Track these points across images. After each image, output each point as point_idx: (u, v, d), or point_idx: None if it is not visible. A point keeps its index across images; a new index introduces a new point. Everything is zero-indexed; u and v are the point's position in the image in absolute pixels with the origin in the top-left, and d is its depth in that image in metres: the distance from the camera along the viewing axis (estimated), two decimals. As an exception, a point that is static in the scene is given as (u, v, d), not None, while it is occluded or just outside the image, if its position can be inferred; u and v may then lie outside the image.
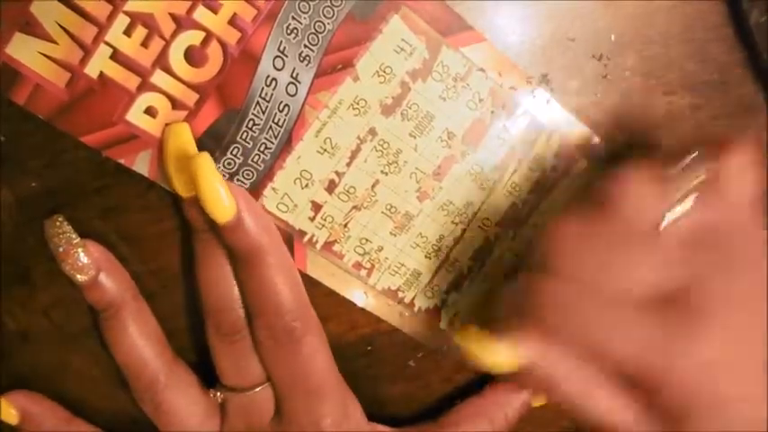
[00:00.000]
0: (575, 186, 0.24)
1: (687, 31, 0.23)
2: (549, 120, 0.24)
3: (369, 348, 0.24)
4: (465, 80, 0.23)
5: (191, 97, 0.21)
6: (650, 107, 0.23)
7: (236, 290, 0.22)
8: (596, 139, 0.24)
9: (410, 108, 0.23)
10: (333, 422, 0.22)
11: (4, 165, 0.21)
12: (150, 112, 0.21)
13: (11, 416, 0.22)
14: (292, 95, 0.22)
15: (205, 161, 0.20)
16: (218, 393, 0.23)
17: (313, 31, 0.21)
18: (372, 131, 0.23)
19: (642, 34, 0.23)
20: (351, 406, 0.24)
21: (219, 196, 0.20)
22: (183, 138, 0.21)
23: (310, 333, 0.22)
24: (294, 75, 0.22)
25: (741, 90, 0.24)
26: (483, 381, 0.26)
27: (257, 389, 0.22)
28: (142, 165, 0.22)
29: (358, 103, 0.22)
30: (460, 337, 0.21)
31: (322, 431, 0.22)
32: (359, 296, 0.24)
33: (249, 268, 0.21)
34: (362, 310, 0.24)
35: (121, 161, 0.22)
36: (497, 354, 0.20)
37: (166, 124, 0.21)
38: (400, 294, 0.25)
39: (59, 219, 0.21)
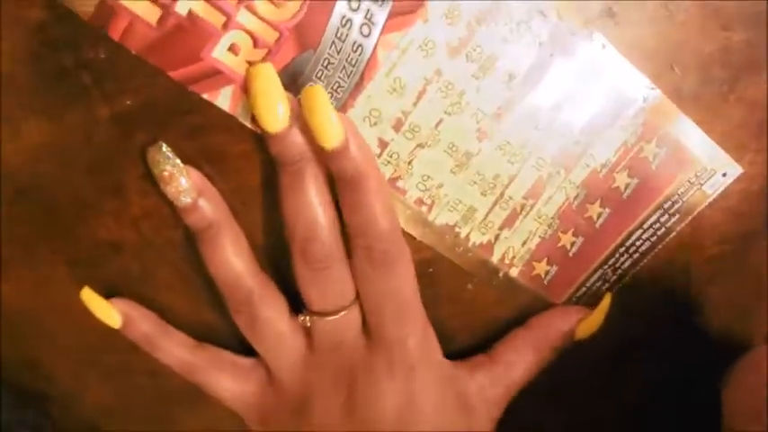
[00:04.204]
0: (628, 128, 0.26)
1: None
2: (604, 64, 0.25)
3: (430, 270, 0.26)
4: (527, 23, 0.24)
5: (271, 36, 0.22)
6: (707, 41, 0.24)
7: (322, 219, 0.23)
8: (649, 83, 0.25)
9: (474, 50, 0.24)
10: (416, 342, 0.24)
11: (104, 82, 0.22)
12: (233, 49, 0.22)
13: (114, 319, 0.24)
14: (366, 36, 0.23)
15: (320, 90, 0.22)
16: (306, 318, 0.25)
17: (388, -27, 0.22)
18: (438, 72, 0.24)
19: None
20: (429, 331, 0.25)
21: (332, 123, 0.22)
22: (270, 76, 0.22)
23: (402, 256, 0.24)
24: (368, 16, 0.23)
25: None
26: (530, 310, 0.28)
27: (343, 312, 0.24)
28: (224, 100, 0.23)
29: (426, 45, 0.24)
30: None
31: (407, 348, 0.24)
32: (419, 230, 0.26)
33: (351, 191, 0.23)
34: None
35: (205, 96, 0.23)
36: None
37: (250, 63, 0.23)
38: (457, 229, 0.26)
39: (163, 145, 0.22)
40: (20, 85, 0.23)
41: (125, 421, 0.28)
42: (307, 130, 0.23)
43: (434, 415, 0.25)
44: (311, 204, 0.23)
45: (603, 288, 0.29)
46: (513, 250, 0.27)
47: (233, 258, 0.23)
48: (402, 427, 0.24)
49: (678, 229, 0.28)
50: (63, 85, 0.23)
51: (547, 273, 0.28)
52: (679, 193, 0.27)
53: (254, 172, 0.24)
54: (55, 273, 0.25)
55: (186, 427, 0.28)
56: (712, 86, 0.25)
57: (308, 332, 0.25)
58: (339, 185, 0.23)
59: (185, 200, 0.22)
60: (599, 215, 0.27)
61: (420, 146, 0.25)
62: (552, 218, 0.27)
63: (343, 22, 0.23)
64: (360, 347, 0.25)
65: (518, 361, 0.27)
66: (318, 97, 0.22)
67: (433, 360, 0.25)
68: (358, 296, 0.25)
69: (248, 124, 0.24)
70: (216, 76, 0.23)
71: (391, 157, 0.25)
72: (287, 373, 0.25)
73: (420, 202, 0.26)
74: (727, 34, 0.25)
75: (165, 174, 0.22)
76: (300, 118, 0.23)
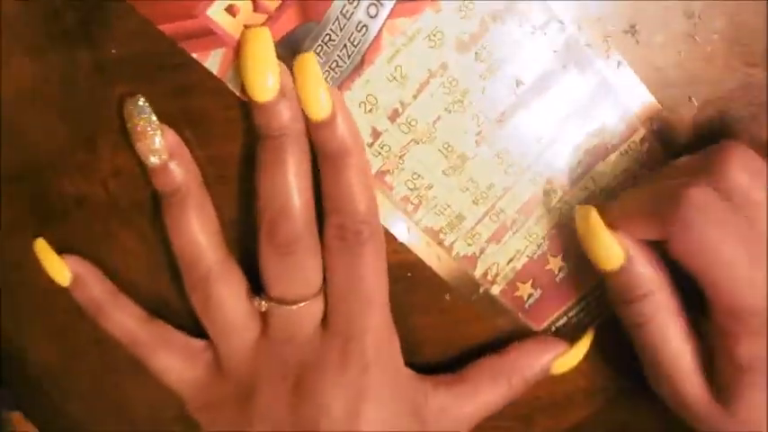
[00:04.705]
0: (632, 154, 0.24)
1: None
2: (617, 83, 0.24)
3: (408, 275, 0.25)
4: (543, 29, 0.23)
5: (273, 1, 0.21)
6: (730, 76, 0.23)
7: (296, 200, 0.22)
8: (661, 111, 0.24)
9: (484, 48, 0.23)
10: (375, 340, 0.23)
11: (90, 26, 0.21)
12: (231, 10, 0.21)
13: (64, 277, 0.23)
14: (372, 17, 0.22)
15: (312, 58, 0.21)
16: (263, 303, 0.23)
17: (404, -47, 0.21)
18: (444, 66, 0.23)
19: (736, -1, 0.23)
20: (392, 334, 0.24)
21: (321, 94, 0.21)
22: (264, 42, 0.21)
23: (375, 239, 0.22)
24: (377, -4, 0.22)
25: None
26: (506, 332, 0.27)
27: (303, 303, 0.23)
28: (214, 62, 0.22)
29: (435, 35, 0.22)
30: (579, 215, 0.23)
31: (364, 344, 0.23)
32: (401, 230, 0.25)
33: (332, 167, 0.22)
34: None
35: (194, 55, 0.22)
36: (605, 245, 0.22)
37: (245, 26, 0.21)
38: (441, 236, 0.25)
39: (141, 99, 0.21)
40: (8, 20, 0.22)
41: (69, 382, 0.27)
42: (296, 106, 0.22)
43: (382, 419, 0.23)
44: (287, 183, 0.22)
45: (585, 321, 0.27)
46: (498, 267, 0.26)
47: (196, 230, 0.22)
48: (346, 426, 0.23)
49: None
50: (49, 24, 0.22)
51: (530, 296, 0.27)
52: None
53: (236, 142, 0.23)
54: (11, 220, 0.24)
55: (130, 396, 0.26)
56: (729, 123, 0.24)
57: (263, 317, 0.24)
58: (321, 160, 0.22)
59: (155, 160, 0.21)
60: (592, 242, 0.26)
61: (414, 141, 0.24)
62: (543, 238, 0.26)
63: (351, -2, 0.22)
64: (315, 341, 0.23)
65: (488, 387, 0.26)
66: (310, 66, 0.21)
67: (390, 363, 0.24)
68: (323, 289, 0.23)
69: (237, 92, 0.22)
70: (209, 35, 0.21)
71: (382, 148, 0.24)
72: (235, 360, 0.24)
73: (406, 200, 0.24)
74: (752, 71, 0.24)
75: (139, 129, 0.21)
76: (291, 92, 0.21)
